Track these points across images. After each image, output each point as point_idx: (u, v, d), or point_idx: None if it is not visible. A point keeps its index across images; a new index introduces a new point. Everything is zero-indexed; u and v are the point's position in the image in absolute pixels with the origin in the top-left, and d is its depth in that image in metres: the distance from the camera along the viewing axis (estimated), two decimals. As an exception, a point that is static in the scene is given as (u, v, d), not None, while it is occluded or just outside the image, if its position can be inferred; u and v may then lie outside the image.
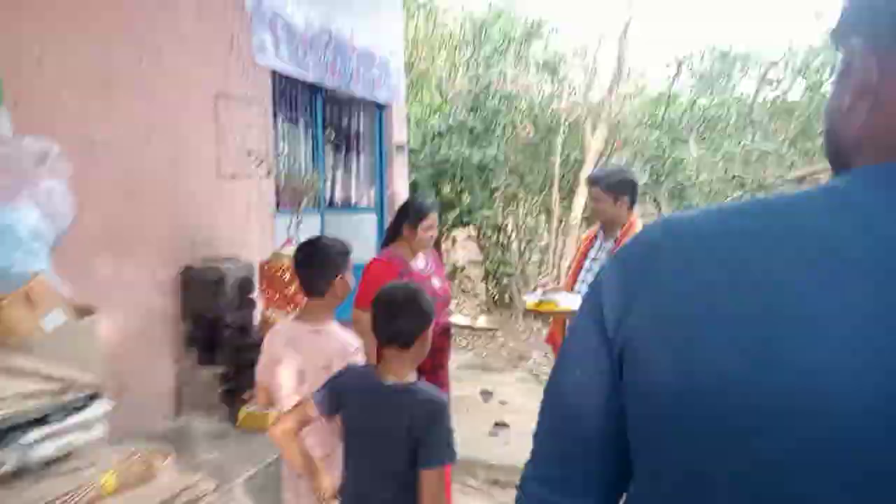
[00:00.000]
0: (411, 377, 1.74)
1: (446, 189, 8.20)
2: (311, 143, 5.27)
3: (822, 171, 8.48)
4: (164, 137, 3.64)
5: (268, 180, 4.32)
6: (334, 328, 2.06)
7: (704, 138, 8.95)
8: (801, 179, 8.49)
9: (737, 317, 0.54)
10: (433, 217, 2.91)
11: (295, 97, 5.21)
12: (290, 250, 3.77)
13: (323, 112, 5.78)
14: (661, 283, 0.60)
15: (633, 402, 0.63)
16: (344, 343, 2.01)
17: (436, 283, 2.92)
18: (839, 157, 0.66)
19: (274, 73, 4.66)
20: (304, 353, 2.02)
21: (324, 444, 2.04)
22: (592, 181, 2.96)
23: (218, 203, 4.04)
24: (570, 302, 2.82)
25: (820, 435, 0.50)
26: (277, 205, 4.62)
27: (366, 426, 1.73)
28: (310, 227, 5.43)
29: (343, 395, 1.77)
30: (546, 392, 0.74)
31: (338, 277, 2.06)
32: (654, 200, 8.20)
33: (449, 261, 9.05)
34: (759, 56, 9.07)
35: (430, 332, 1.75)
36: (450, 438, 1.65)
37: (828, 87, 8.52)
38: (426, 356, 1.81)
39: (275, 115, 4.78)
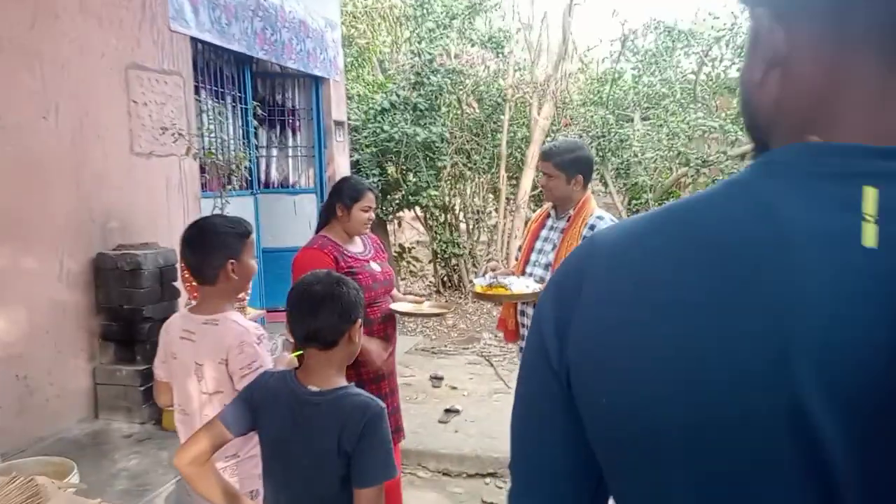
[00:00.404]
0: (339, 381, 1.51)
1: (391, 169, 7.92)
2: (240, 120, 4.91)
3: (763, 146, 8.60)
4: (66, 112, 3.26)
5: (190, 159, 3.96)
6: (231, 317, 1.83)
7: (649, 116, 8.93)
8: (743, 156, 8.58)
9: (655, 344, 0.54)
10: (370, 197, 2.68)
11: (220, 70, 4.84)
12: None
13: (253, 86, 5.42)
14: (588, 312, 0.60)
15: (588, 427, 0.61)
16: (240, 333, 1.78)
17: (375, 267, 2.70)
18: (757, 131, 0.64)
19: (195, 42, 4.28)
20: (198, 347, 1.81)
21: (251, 478, 1.81)
22: (545, 156, 2.75)
23: (132, 184, 3.68)
24: (521, 286, 2.64)
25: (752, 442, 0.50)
26: (204, 186, 4.28)
27: (288, 443, 1.49)
28: (242, 210, 5.11)
29: (258, 409, 1.52)
30: (511, 424, 0.71)
31: (228, 262, 1.81)
32: (601, 178, 8.13)
33: (395, 243, 8.81)
34: (703, 33, 9.08)
35: (358, 327, 1.52)
36: (388, 451, 1.44)
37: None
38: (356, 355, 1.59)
39: (197, 90, 4.41)
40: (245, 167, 4.13)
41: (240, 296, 3.29)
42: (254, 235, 1.95)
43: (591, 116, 8.03)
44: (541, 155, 2.82)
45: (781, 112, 0.59)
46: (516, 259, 3.05)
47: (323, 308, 1.47)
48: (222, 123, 4.63)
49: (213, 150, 4.07)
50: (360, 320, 1.53)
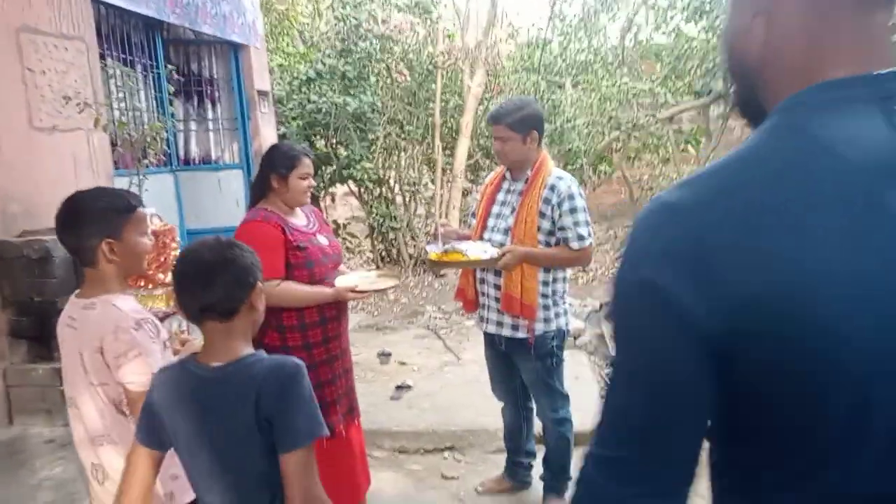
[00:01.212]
0: (245, 351, 1.36)
1: (320, 143, 7.59)
2: (153, 89, 4.50)
3: (689, 109, 8.80)
4: (-55, 79, 2.84)
5: (101, 133, 3.58)
6: (109, 300, 1.62)
7: (579, 82, 8.95)
8: (671, 118, 8.75)
9: (844, 271, 0.57)
10: (307, 163, 2.46)
11: (128, 35, 4.41)
12: (135, 213, 3.15)
13: (166, 53, 4.99)
14: (757, 259, 0.60)
15: (755, 373, 0.62)
16: (116, 318, 1.58)
17: (323, 240, 2.50)
18: (744, 77, 0.70)
19: (97, 5, 3.86)
20: (80, 334, 1.63)
21: (163, 481, 1.61)
22: (494, 119, 2.59)
23: (35, 162, 3.29)
24: (478, 252, 2.49)
25: None
26: (117, 163, 3.89)
27: (203, 433, 1.32)
28: (161, 189, 4.72)
29: (162, 412, 1.35)
30: (615, 404, 0.72)
31: (104, 242, 1.60)
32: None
33: (330, 219, 8.51)
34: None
35: (258, 292, 1.37)
36: (312, 408, 1.31)
37: (689, 29, 8.85)
38: (260, 324, 1.44)
39: (103, 57, 3.99)
40: (162, 140, 3.78)
41: (162, 277, 3.00)
42: (144, 210, 1.72)
43: (524, 83, 7.94)
44: (489, 119, 2.66)
45: (772, 57, 0.65)
46: (469, 226, 2.91)
47: (216, 276, 1.30)
48: (134, 93, 4.22)
49: (126, 122, 3.69)
50: (259, 284, 1.38)
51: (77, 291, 1.74)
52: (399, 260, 7.86)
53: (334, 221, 8.39)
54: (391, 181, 8.08)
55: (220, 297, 1.30)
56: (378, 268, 7.74)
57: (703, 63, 7.64)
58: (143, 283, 2.94)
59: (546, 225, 2.53)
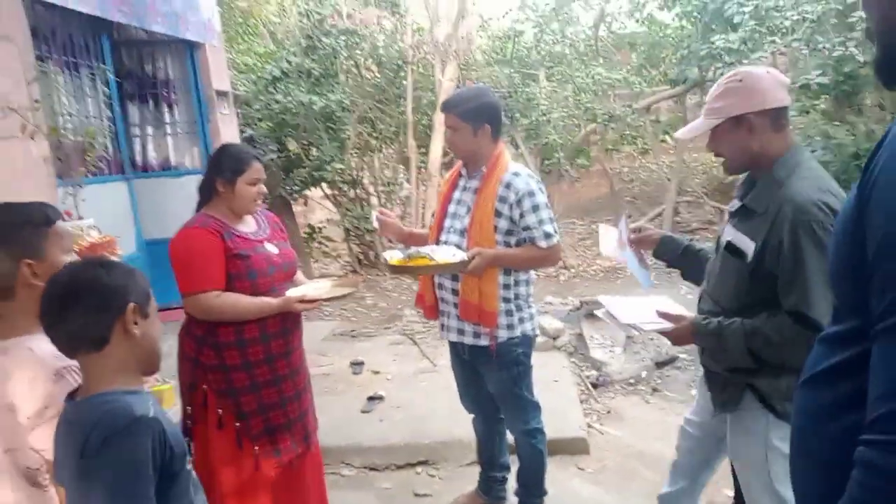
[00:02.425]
0: (112, 385, 1.19)
1: (292, 145, 7.36)
2: (100, 94, 4.26)
3: (666, 98, 8.66)
4: None
5: (39, 142, 3.33)
6: (24, 342, 1.37)
7: (554, 74, 8.78)
8: (648, 108, 8.61)
9: None
10: (256, 168, 2.26)
11: (71, 37, 4.16)
12: (71, 228, 2.91)
13: (117, 57, 4.73)
14: None
15: None
16: (30, 366, 1.34)
17: (272, 248, 2.29)
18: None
19: (32, 4, 3.60)
20: None
21: None
22: (445, 107, 2.42)
23: (-37, 175, 3.04)
24: (447, 255, 2.30)
25: None
26: (61, 174, 3.64)
27: (59, 465, 1.21)
28: (115, 199, 4.48)
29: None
30: None
31: (23, 264, 1.38)
32: (512, 140, 7.91)
33: (305, 223, 8.28)
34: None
35: (131, 316, 1.19)
36: (125, 483, 1.09)
37: (663, 16, 8.71)
38: (154, 355, 1.27)
39: (43, 61, 3.74)
40: (101, 144, 3.53)
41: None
42: (63, 223, 1.50)
43: (497, 76, 7.75)
44: (441, 107, 2.48)
45: None
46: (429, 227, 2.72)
47: (72, 301, 1.16)
48: (81, 100, 3.97)
49: (64, 129, 3.45)
50: (131, 306, 1.20)
51: None
52: (376, 263, 7.65)
53: (309, 226, 8.17)
54: (365, 182, 7.88)
55: (79, 324, 1.15)
56: (353, 273, 7.53)
57: (677, 50, 7.51)
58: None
59: (504, 224, 2.35)
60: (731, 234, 1.77)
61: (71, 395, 1.24)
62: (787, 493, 1.71)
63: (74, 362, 1.44)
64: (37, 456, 1.35)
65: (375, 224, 2.65)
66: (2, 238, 1.38)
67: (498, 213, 2.34)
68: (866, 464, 0.69)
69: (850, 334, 0.72)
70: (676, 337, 1.83)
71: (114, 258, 3.04)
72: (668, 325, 1.83)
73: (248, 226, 2.30)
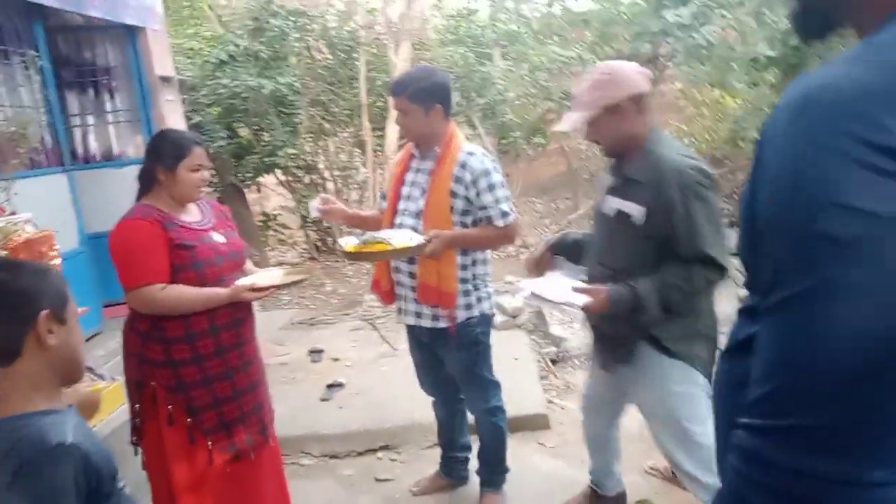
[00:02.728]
0: (28, 405, 1.07)
1: (243, 131, 7.18)
2: (34, 84, 4.06)
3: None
4: None
5: (-32, 134, 3.17)
6: None
7: (509, 53, 8.74)
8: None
9: None
10: (198, 153, 2.17)
11: (0, 24, 3.95)
12: (5, 223, 2.79)
13: (52, 43, 4.51)
14: None
15: None
16: None
17: (218, 238, 2.22)
18: (822, 14, 0.73)
19: (-48, -14, 3.40)
20: None
21: None
22: (394, 90, 2.36)
23: None
24: (404, 239, 2.26)
25: None
26: (-6, 166, 3.47)
27: None
28: (54, 192, 4.30)
29: None
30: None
31: None
32: (468, 121, 7.87)
33: (260, 211, 8.12)
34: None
35: (45, 324, 1.08)
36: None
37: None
38: (75, 365, 1.15)
39: (-32, 47, 3.54)
40: (36, 135, 3.36)
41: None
42: None
43: (452, 55, 7.68)
44: (390, 90, 2.43)
45: None
46: (381, 210, 2.68)
47: None
48: (11, 89, 3.78)
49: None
50: (45, 313, 1.08)
51: None
52: (334, 249, 7.55)
53: (263, 213, 8.01)
54: (321, 166, 7.75)
55: None
56: (311, 260, 7.44)
57: (630, 27, 7.54)
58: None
59: (460, 205, 2.33)
60: (617, 203, 2.01)
61: None
62: (696, 427, 2.03)
63: None
64: None
65: (315, 214, 2.57)
66: None
67: (454, 194, 2.32)
68: (741, 450, 0.66)
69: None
70: (596, 307, 1.97)
71: (24, 259, 2.92)
72: (588, 299, 1.97)
73: (191, 215, 2.22)
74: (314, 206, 2.54)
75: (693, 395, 2.01)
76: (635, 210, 1.94)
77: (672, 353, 1.99)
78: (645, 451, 2.91)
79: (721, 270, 1.91)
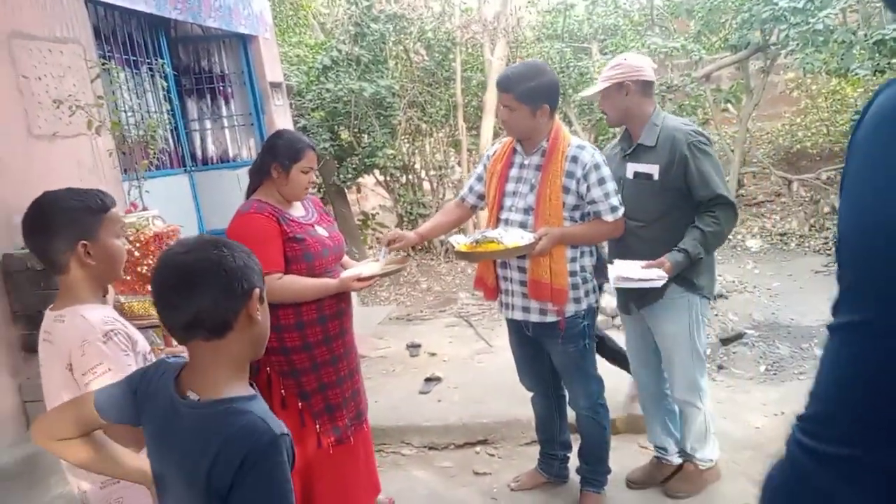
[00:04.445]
0: (229, 389, 1.12)
1: (344, 133, 7.43)
2: (160, 91, 4.40)
3: (728, 65, 8.28)
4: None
5: (104, 138, 3.48)
6: (79, 311, 1.51)
7: (607, 46, 8.52)
8: (707, 76, 8.25)
9: None
10: (311, 157, 2.30)
11: (130, 36, 4.31)
12: (137, 218, 3.03)
13: (174, 54, 4.89)
14: None
15: None
16: (84, 331, 1.47)
17: (322, 232, 2.33)
18: None
19: (94, 6, 3.76)
20: (54, 348, 1.52)
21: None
22: (503, 86, 2.35)
23: (37, 171, 3.20)
24: (515, 238, 2.27)
25: None
26: (126, 169, 3.80)
27: (162, 460, 1.18)
28: (178, 191, 4.64)
29: (141, 404, 1.20)
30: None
31: (79, 245, 1.50)
32: (564, 116, 7.74)
33: (359, 211, 8.38)
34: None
35: (256, 301, 1.13)
36: (281, 496, 1.06)
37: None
38: (261, 352, 1.21)
39: (106, 59, 3.89)
40: (162, 137, 3.64)
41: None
42: (116, 210, 1.61)
43: (548, 52, 7.58)
44: (498, 85, 2.42)
45: None
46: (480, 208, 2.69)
47: (200, 282, 1.08)
48: (143, 97, 4.12)
49: (127, 125, 3.58)
50: (257, 290, 1.14)
51: (52, 304, 1.63)
52: (430, 247, 7.67)
53: (362, 213, 8.25)
54: (417, 167, 7.88)
55: (205, 307, 1.07)
56: (408, 256, 7.58)
57: (738, 14, 7.14)
58: (137, 289, 2.83)
59: (571, 200, 2.31)
60: (634, 167, 2.46)
61: (175, 388, 1.17)
62: (704, 346, 2.64)
63: (123, 325, 1.53)
64: None
65: (385, 255, 2.44)
66: (62, 220, 1.49)
67: (566, 189, 2.30)
68: (791, 455, 0.63)
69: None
70: (669, 275, 2.36)
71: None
72: (662, 272, 2.34)
73: (297, 210, 2.34)
74: (384, 251, 2.44)
75: (704, 321, 2.57)
76: (652, 169, 2.40)
77: (697, 288, 2.48)
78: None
79: (734, 206, 2.40)
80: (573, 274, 2.36)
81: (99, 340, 1.46)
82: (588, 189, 2.29)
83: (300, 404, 2.22)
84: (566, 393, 2.66)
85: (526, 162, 2.42)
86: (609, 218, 2.31)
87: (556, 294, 2.32)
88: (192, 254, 1.11)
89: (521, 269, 2.38)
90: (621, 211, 2.35)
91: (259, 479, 1.03)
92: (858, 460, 0.56)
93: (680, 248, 2.35)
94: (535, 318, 2.42)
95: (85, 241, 1.50)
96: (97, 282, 1.59)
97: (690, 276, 2.46)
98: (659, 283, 2.33)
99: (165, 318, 1.12)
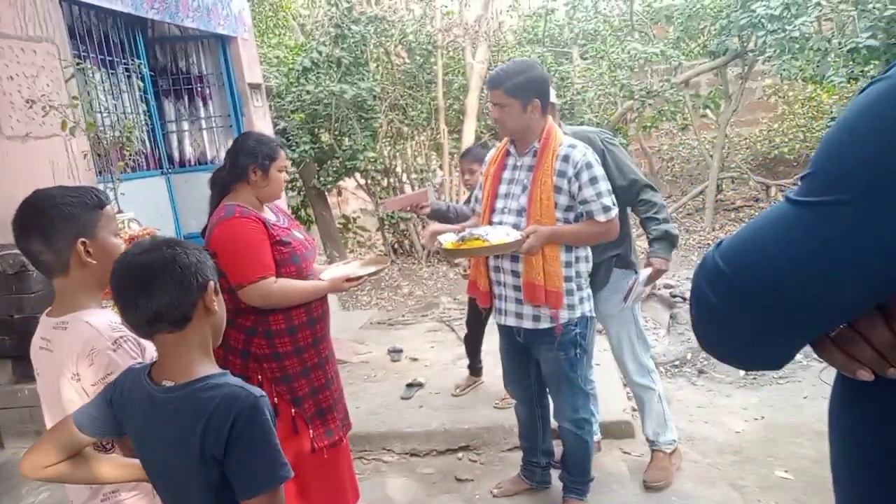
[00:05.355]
0: (201, 370, 1.19)
1: (325, 136, 7.38)
2: (136, 91, 4.32)
3: (706, 71, 8.38)
4: None
5: (79, 139, 3.40)
6: (82, 317, 1.42)
7: (588, 51, 8.58)
8: (686, 82, 8.35)
9: None
10: (283, 155, 2.29)
11: (106, 36, 4.23)
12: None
13: (151, 54, 4.80)
14: None
15: None
16: (90, 339, 1.38)
17: (299, 235, 2.29)
18: None
19: (68, 5, 3.68)
20: (55, 357, 1.43)
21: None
22: (492, 83, 2.32)
23: (9, 172, 3.12)
24: (500, 235, 2.24)
25: None
26: (101, 171, 3.72)
27: (152, 455, 1.23)
28: (154, 193, 4.56)
29: (120, 412, 1.23)
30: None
31: (79, 242, 1.41)
32: (546, 120, 7.77)
33: (340, 214, 8.32)
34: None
35: (212, 293, 1.21)
36: (269, 449, 1.14)
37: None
38: (221, 336, 1.28)
39: (81, 59, 3.81)
40: (138, 139, 3.57)
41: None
42: (112, 206, 1.54)
43: (529, 56, 7.61)
44: (487, 83, 2.40)
45: None
46: (475, 212, 2.67)
47: (158, 281, 1.15)
48: (116, 96, 4.04)
49: (102, 126, 3.50)
50: (212, 283, 1.21)
51: (48, 309, 1.53)
52: (412, 251, 7.65)
53: (343, 216, 8.20)
54: (399, 170, 7.86)
55: (165, 303, 1.14)
56: (387, 257, 7.54)
57: (716, 21, 7.23)
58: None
59: (563, 200, 2.28)
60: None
61: (143, 372, 1.23)
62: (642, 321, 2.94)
63: (128, 331, 1.47)
64: None
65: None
66: (60, 217, 1.41)
67: (557, 189, 2.27)
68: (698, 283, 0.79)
69: None
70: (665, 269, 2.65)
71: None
72: (661, 269, 2.59)
73: (270, 215, 2.28)
74: (446, 237, 2.37)
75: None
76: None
77: (633, 265, 2.72)
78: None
79: (653, 187, 2.67)
80: (568, 279, 2.33)
81: (108, 348, 1.39)
82: (580, 188, 2.26)
83: (293, 410, 2.18)
84: (549, 402, 2.64)
85: (518, 163, 2.40)
86: (601, 218, 2.28)
87: (550, 296, 2.29)
88: (148, 254, 1.17)
89: (515, 274, 2.36)
90: (614, 211, 2.30)
91: (251, 439, 1.12)
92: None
93: (658, 247, 2.58)
94: (528, 324, 2.39)
95: (84, 239, 1.42)
96: (97, 283, 1.49)
97: (628, 256, 2.70)
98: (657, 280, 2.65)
99: (128, 317, 1.19)
